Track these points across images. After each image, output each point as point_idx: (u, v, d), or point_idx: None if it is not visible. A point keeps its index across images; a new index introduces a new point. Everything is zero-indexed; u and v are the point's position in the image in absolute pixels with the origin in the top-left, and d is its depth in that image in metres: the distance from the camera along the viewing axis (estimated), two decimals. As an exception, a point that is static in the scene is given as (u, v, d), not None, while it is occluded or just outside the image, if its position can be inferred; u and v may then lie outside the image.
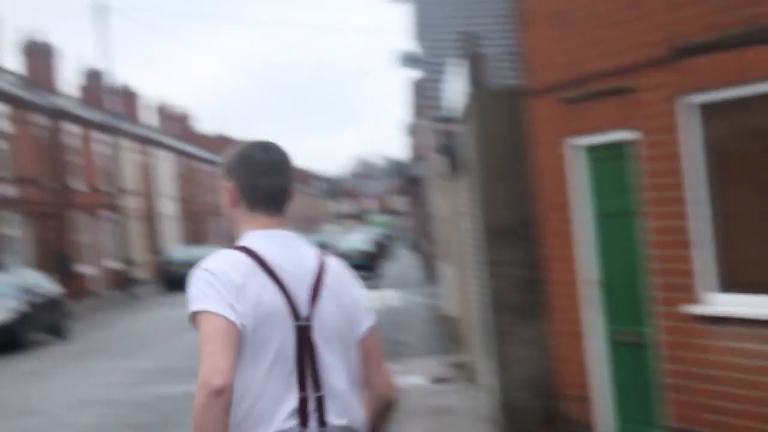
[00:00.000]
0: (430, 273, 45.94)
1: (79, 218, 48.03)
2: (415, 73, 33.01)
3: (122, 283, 49.54)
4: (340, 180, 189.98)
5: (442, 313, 28.22)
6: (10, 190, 39.87)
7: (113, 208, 50.64)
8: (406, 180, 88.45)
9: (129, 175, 55.34)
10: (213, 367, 3.58)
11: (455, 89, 13.01)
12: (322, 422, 3.81)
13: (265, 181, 3.98)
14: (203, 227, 75.43)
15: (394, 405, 4.09)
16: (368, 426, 4.02)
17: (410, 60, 25.36)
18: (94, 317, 34.71)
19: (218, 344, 3.62)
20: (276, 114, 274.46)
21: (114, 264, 51.42)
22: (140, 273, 53.86)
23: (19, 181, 40.77)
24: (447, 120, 18.89)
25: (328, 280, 3.93)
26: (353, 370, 3.97)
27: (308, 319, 3.83)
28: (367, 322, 4.04)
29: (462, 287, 19.11)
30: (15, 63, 50.77)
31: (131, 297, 45.91)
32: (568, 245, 9.58)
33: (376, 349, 4.07)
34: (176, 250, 54.51)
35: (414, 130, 47.60)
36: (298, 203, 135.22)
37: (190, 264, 49.61)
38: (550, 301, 10.36)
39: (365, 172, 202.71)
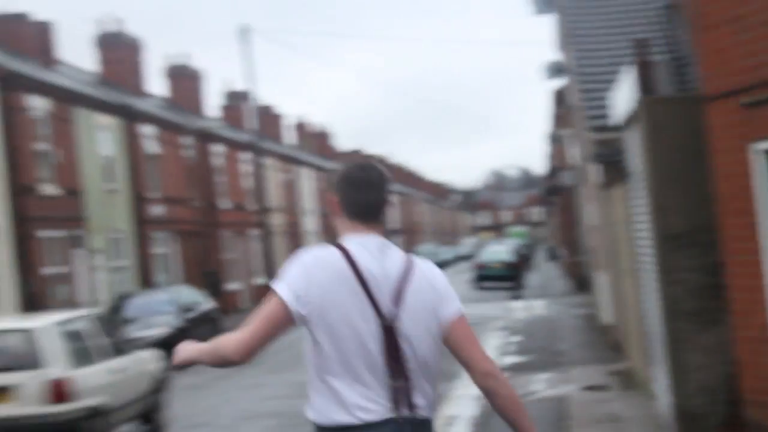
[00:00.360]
0: (575, 282, 45.69)
1: (226, 236, 48.97)
2: (560, 83, 33.00)
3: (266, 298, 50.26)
4: (475, 192, 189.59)
5: (596, 321, 28.07)
6: (160, 210, 40.86)
7: (259, 225, 51.45)
8: (544, 190, 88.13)
9: (273, 192, 56.20)
10: (239, 336, 4.47)
11: (618, 97, 12.99)
12: (411, 408, 4.40)
13: (362, 196, 4.61)
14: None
15: (495, 382, 4.52)
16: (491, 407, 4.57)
17: (556, 70, 25.38)
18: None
19: (258, 318, 4.46)
20: (412, 128, 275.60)
21: (260, 280, 52.26)
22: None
23: (168, 200, 41.77)
24: (604, 128, 18.86)
25: (414, 281, 4.50)
26: (435, 360, 4.51)
27: (391, 317, 4.41)
28: (453, 311, 4.57)
29: (618, 295, 19.04)
30: (162, 87, 52.01)
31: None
32: (753, 251, 9.51)
33: (468, 333, 4.59)
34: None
35: (558, 140, 47.36)
36: (436, 216, 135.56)
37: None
38: (731, 307, 10.29)
39: (500, 183, 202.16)
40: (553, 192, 63.27)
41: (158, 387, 16.69)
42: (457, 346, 4.54)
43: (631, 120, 12.10)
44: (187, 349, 4.77)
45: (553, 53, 25.07)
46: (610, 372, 18.34)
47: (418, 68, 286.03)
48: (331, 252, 4.52)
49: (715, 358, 10.86)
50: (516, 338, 26.61)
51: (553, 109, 47.08)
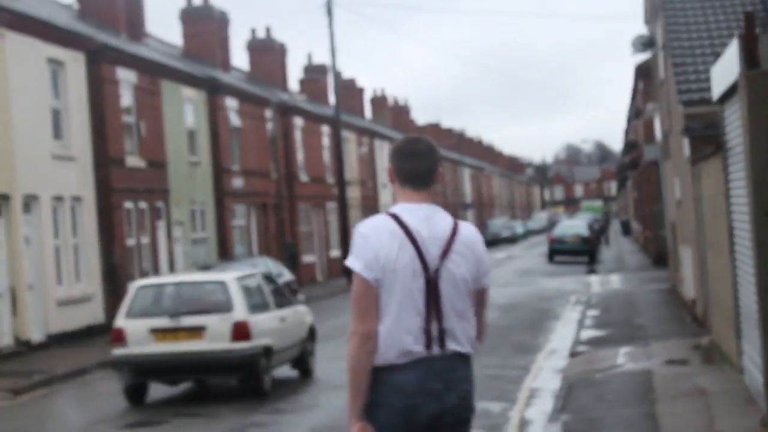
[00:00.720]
0: (652, 256, 45.51)
1: (303, 209, 49.32)
2: (645, 57, 32.80)
3: (344, 272, 50.56)
4: (549, 166, 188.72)
5: (675, 295, 28.00)
6: (239, 183, 41.26)
7: (336, 198, 51.79)
8: (620, 165, 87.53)
9: (351, 166, 56.46)
10: (363, 322, 5.32)
11: (717, 70, 12.95)
12: (442, 346, 5.36)
13: (411, 164, 5.47)
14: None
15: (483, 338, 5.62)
16: None
17: (645, 44, 25.24)
18: (323, 304, 35.63)
19: (364, 304, 5.33)
20: (489, 102, 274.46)
21: (336, 253, 52.61)
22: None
23: (247, 173, 42.15)
24: (696, 102, 18.81)
25: (458, 242, 5.38)
26: (470, 309, 5.45)
27: (437, 271, 5.34)
28: (483, 284, 5.55)
29: (704, 269, 18.98)
30: (243, 60, 52.38)
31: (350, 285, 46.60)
32: None
33: (481, 305, 5.58)
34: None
35: (638, 114, 47.04)
36: (509, 190, 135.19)
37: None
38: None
39: (574, 158, 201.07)
40: (630, 166, 62.92)
41: (310, 337, 19.14)
42: (477, 306, 5.54)
43: (731, 94, 12.08)
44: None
45: (637, 27, 24.90)
46: (692, 346, 18.32)
47: (497, 41, 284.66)
48: (382, 218, 5.42)
49: (811, 333, 10.86)
50: (594, 312, 26.65)
51: (635, 84, 46.72)
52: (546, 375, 17.35)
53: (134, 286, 17.53)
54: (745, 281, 12.65)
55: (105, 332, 28.55)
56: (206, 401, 17.21)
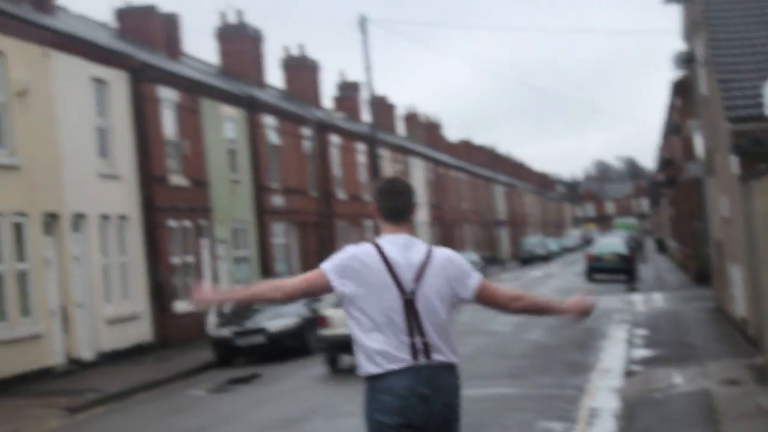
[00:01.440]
0: (692, 274, 45.25)
1: (342, 226, 49.36)
2: (684, 73, 32.71)
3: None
4: (579, 183, 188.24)
5: (723, 314, 27.80)
6: (279, 201, 41.35)
7: (372, 215, 51.82)
8: (654, 181, 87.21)
9: (386, 183, 56.36)
10: (289, 283, 6.32)
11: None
12: (428, 357, 6.12)
13: (389, 203, 6.31)
14: (452, 233, 76.16)
15: (521, 300, 6.46)
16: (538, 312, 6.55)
17: (685, 60, 25.17)
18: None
19: (304, 277, 6.34)
20: (520, 118, 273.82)
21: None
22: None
23: (287, 191, 42.24)
24: (744, 119, 18.70)
25: (431, 266, 6.19)
26: (448, 321, 6.26)
27: (413, 292, 6.14)
28: (475, 282, 6.33)
29: (755, 288, 18.83)
30: (277, 77, 52.51)
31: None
32: None
33: (491, 287, 6.42)
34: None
35: (675, 131, 46.87)
36: (541, 207, 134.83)
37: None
38: None
39: (605, 174, 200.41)
40: (666, 183, 62.61)
41: None
42: (487, 300, 6.41)
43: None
44: (207, 291, 6.41)
45: (670, 42, 24.87)
46: (747, 366, 18.15)
47: (529, 57, 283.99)
48: (365, 248, 6.25)
49: None
50: (642, 331, 26.48)
51: (671, 100, 46.56)
52: (603, 395, 17.22)
53: None
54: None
55: (153, 350, 28.73)
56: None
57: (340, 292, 6.19)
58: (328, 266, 6.24)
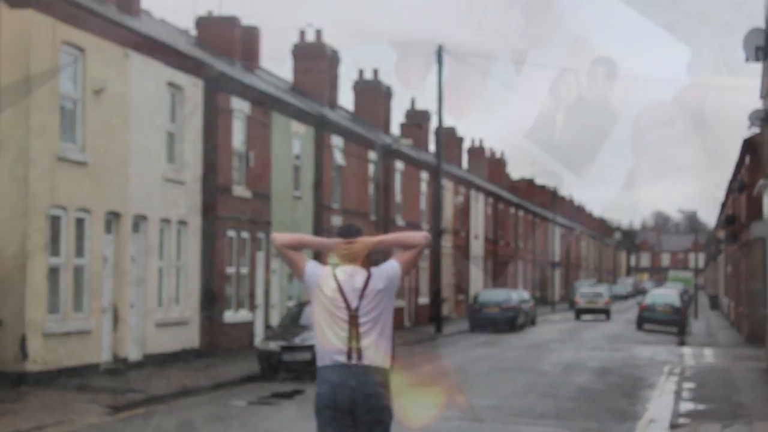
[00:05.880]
0: (745, 333, 44.78)
1: (397, 252, 49.23)
2: (756, 131, 32.48)
3: (431, 319, 50.35)
4: (637, 232, 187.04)
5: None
6: (338, 221, 41.41)
7: (430, 246, 51.82)
8: (713, 238, 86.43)
9: (445, 214, 56.46)
10: (286, 236, 8.55)
11: None
12: (359, 359, 7.99)
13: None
14: (505, 270, 75.93)
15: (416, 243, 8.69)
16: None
17: (763, 119, 25.03)
18: (413, 350, 35.52)
19: (296, 249, 8.43)
20: (582, 159, 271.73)
21: (425, 300, 52.50)
22: (445, 310, 54.76)
23: (347, 212, 42.31)
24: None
25: (370, 285, 8.14)
26: (386, 332, 8.13)
27: (356, 309, 8.07)
28: (395, 265, 8.37)
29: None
30: (347, 99, 52.66)
31: (438, 333, 46.16)
32: None
33: (401, 254, 8.47)
34: (483, 292, 55.05)
35: (742, 188, 46.48)
36: (597, 253, 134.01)
37: (494, 306, 50.19)
38: None
39: (662, 225, 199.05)
40: (727, 240, 62.03)
41: None
42: (404, 260, 8.48)
43: None
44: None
45: (748, 101, 24.70)
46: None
47: (600, 102, 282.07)
48: (329, 268, 8.24)
49: None
50: (690, 385, 26.19)
51: (740, 157, 46.24)
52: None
53: None
54: None
55: (199, 357, 28.86)
56: None
57: (308, 281, 8.40)
58: (311, 262, 8.54)
